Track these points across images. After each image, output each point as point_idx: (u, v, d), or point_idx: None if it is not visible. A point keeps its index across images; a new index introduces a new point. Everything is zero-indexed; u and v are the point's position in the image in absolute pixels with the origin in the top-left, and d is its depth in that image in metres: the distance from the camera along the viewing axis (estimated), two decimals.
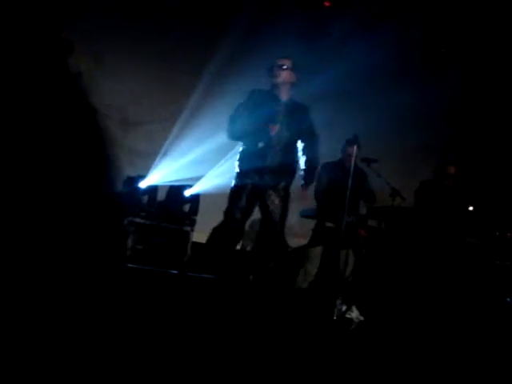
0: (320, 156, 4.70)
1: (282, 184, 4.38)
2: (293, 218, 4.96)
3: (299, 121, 4.43)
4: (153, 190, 6.45)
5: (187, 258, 5.93)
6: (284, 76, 4.42)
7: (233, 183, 4.42)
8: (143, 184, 6.39)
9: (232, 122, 4.39)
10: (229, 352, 2.78)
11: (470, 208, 5.71)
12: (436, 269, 5.10)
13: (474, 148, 8.00)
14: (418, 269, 5.09)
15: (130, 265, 3.89)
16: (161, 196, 6.52)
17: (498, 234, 5.45)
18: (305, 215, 5.49)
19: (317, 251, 5.66)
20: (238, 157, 4.45)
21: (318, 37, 7.14)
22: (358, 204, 5.57)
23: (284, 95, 4.44)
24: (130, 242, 4.83)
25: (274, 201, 4.35)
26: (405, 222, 5.32)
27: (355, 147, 4.66)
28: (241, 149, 4.44)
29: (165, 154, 6.87)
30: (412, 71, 7.43)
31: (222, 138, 6.28)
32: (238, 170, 4.40)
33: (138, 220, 6.01)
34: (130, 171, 6.48)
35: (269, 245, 4.41)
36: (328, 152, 5.42)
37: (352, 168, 4.60)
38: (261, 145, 4.29)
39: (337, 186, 5.25)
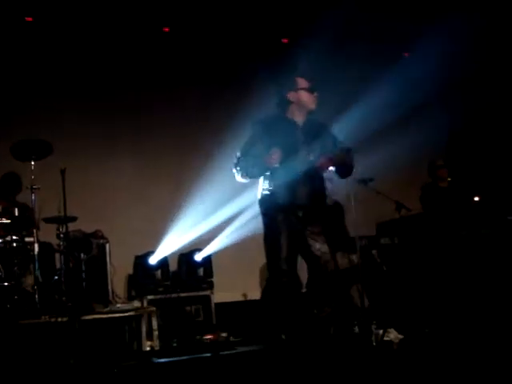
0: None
1: (318, 217, 3.83)
2: None
3: (322, 143, 3.84)
4: (164, 262, 6.39)
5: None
6: (315, 100, 3.85)
7: (264, 230, 3.80)
8: (153, 260, 6.33)
9: (246, 161, 3.80)
10: None
11: (476, 198, 5.69)
12: (460, 269, 5.04)
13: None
14: (442, 273, 5.03)
15: (158, 360, 3.63)
16: (173, 266, 6.48)
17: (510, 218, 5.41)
18: None
19: None
20: (261, 198, 3.84)
21: None
22: None
23: (301, 118, 3.88)
24: (155, 324, 4.73)
25: (317, 240, 3.76)
26: (419, 229, 5.30)
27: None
28: (263, 190, 3.81)
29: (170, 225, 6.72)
30: None
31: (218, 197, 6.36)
32: (265, 212, 3.81)
33: (158, 297, 5.95)
34: (136, 250, 6.46)
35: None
36: None
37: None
38: (300, 171, 3.70)
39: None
